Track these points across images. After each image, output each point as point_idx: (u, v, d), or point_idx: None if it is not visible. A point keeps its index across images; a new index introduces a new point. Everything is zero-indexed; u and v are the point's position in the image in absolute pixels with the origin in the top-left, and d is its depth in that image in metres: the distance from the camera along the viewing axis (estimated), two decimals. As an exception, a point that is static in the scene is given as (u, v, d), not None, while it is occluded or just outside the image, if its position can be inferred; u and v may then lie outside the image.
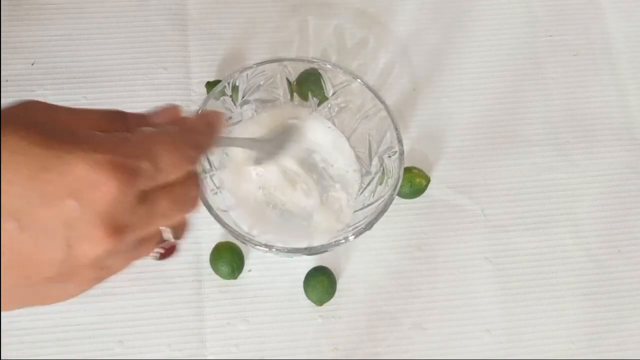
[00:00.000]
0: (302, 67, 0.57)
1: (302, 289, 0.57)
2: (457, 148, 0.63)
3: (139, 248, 0.34)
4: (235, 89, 0.55)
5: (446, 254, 0.60)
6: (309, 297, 0.57)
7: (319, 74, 0.57)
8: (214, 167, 0.54)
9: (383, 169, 0.55)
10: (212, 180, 0.53)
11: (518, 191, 0.62)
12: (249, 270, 0.58)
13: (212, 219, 0.49)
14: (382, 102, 0.54)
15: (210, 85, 0.61)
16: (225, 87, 0.54)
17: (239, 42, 0.65)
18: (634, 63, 0.68)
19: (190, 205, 0.35)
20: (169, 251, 0.37)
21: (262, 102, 0.58)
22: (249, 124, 0.57)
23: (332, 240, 0.51)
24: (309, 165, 0.56)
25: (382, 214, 0.51)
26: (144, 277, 0.56)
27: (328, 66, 0.56)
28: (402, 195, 0.60)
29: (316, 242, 0.52)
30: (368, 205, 0.54)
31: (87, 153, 0.30)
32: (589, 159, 0.64)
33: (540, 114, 0.65)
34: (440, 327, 0.57)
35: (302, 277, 0.57)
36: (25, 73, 0.62)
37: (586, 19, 0.69)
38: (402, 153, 0.53)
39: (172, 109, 0.37)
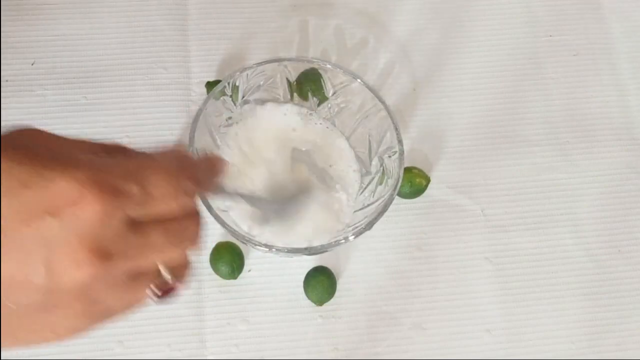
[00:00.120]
0: (302, 67, 0.57)
1: (302, 289, 0.57)
2: (457, 148, 0.63)
3: (133, 284, 0.31)
4: (235, 89, 0.55)
5: (446, 254, 0.60)
6: (309, 297, 0.57)
7: (319, 74, 0.57)
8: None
9: (383, 169, 0.55)
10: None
11: (518, 191, 0.62)
12: (249, 270, 0.58)
13: (212, 219, 0.49)
14: (382, 102, 0.54)
15: (210, 85, 0.61)
16: (225, 87, 0.54)
17: (239, 42, 0.65)
18: (634, 63, 0.68)
19: (189, 242, 0.33)
20: (167, 292, 0.33)
21: (262, 102, 0.58)
22: (249, 121, 0.57)
23: (332, 240, 0.51)
24: (310, 165, 0.56)
25: (382, 214, 0.51)
26: (144, 277, 0.56)
27: (328, 66, 0.56)
28: (402, 195, 0.60)
29: (316, 242, 0.52)
30: (368, 205, 0.54)
31: (68, 170, 0.28)
32: (589, 159, 0.64)
33: (540, 114, 0.65)
34: (440, 327, 0.57)
35: (302, 277, 0.57)
36: (25, 73, 0.62)
37: (586, 19, 0.69)
38: (402, 153, 0.53)
39: (178, 149, 0.35)
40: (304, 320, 0.57)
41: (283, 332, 0.56)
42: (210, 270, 0.57)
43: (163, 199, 0.31)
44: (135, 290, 0.32)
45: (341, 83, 0.56)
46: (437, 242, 0.60)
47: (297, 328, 0.57)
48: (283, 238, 0.52)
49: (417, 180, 0.59)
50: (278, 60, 0.56)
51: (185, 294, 0.56)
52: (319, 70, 0.57)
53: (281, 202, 0.50)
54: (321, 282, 0.56)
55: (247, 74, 0.55)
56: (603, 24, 0.69)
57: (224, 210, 0.52)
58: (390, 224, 0.59)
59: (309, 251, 0.51)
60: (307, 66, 0.57)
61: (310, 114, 0.58)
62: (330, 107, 0.58)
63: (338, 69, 0.56)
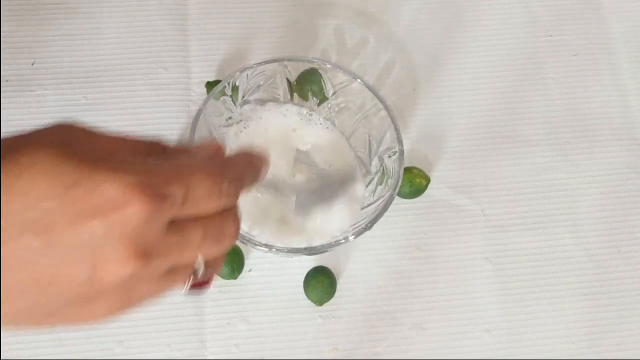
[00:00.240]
0: (302, 67, 0.57)
1: (302, 289, 0.57)
2: (457, 148, 0.63)
3: (170, 277, 0.33)
4: (235, 89, 0.55)
5: (446, 254, 0.60)
6: (309, 297, 0.57)
7: (319, 74, 0.57)
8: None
9: (383, 169, 0.55)
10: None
11: (518, 191, 0.62)
12: (249, 270, 0.58)
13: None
14: (382, 102, 0.54)
15: (210, 85, 0.61)
16: (225, 87, 0.54)
17: (239, 42, 0.65)
18: (634, 63, 0.68)
19: (227, 241, 0.34)
20: (200, 284, 0.35)
21: (262, 102, 0.58)
22: (249, 121, 0.57)
23: (332, 240, 0.51)
24: (311, 165, 0.56)
25: (382, 214, 0.51)
26: (144, 277, 0.56)
27: (328, 66, 0.56)
28: (402, 195, 0.60)
29: (316, 242, 0.52)
30: (368, 205, 0.54)
31: (117, 174, 0.29)
32: (589, 159, 0.64)
33: (540, 114, 0.65)
34: (440, 327, 0.57)
35: (302, 277, 0.57)
36: (25, 73, 0.62)
37: (586, 19, 0.69)
38: (402, 153, 0.53)
39: (215, 145, 0.36)
40: (304, 320, 0.57)
41: (283, 332, 0.56)
42: (210, 270, 0.57)
43: (203, 200, 0.32)
44: (170, 283, 0.33)
45: (341, 83, 0.56)
46: (437, 242, 0.60)
47: (297, 328, 0.57)
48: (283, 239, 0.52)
49: (417, 180, 0.59)
50: (278, 60, 0.56)
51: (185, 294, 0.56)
52: (319, 70, 0.57)
53: (319, 190, 0.51)
54: (321, 282, 0.56)
55: (247, 74, 0.55)
56: (603, 24, 0.69)
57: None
58: (390, 224, 0.59)
59: (309, 251, 0.51)
60: (307, 66, 0.57)
61: (310, 114, 0.58)
62: (330, 107, 0.58)
63: (338, 69, 0.56)
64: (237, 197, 0.34)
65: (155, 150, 0.34)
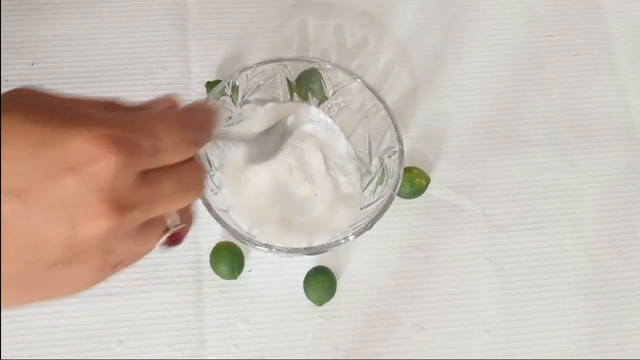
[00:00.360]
0: (302, 67, 0.57)
1: (302, 289, 0.57)
2: (457, 148, 0.63)
3: (145, 232, 0.33)
4: (235, 89, 0.55)
5: (446, 254, 0.60)
6: (309, 297, 0.57)
7: (319, 74, 0.57)
8: (214, 167, 0.54)
9: (383, 169, 0.55)
10: (212, 180, 0.53)
11: (518, 191, 0.62)
12: (249, 270, 0.58)
13: (212, 219, 0.49)
14: (382, 102, 0.54)
15: (210, 85, 0.61)
16: (225, 87, 0.54)
17: (239, 42, 0.65)
18: (634, 63, 0.68)
19: (196, 188, 0.35)
20: (175, 237, 0.36)
21: (262, 102, 0.58)
22: (247, 123, 0.57)
23: (332, 240, 0.51)
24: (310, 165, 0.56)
25: (382, 214, 0.51)
26: (144, 277, 0.56)
27: (328, 66, 0.56)
28: (402, 195, 0.60)
29: (316, 242, 0.52)
30: (368, 205, 0.54)
31: (86, 128, 0.29)
32: (589, 159, 0.64)
33: (540, 114, 0.65)
34: (440, 327, 0.57)
35: (302, 277, 0.57)
36: (25, 73, 0.62)
37: (586, 19, 0.69)
38: (402, 153, 0.53)
39: (170, 98, 0.37)
40: (304, 320, 0.57)
41: (283, 332, 0.56)
42: (210, 270, 0.57)
43: (172, 149, 0.32)
44: (147, 239, 0.33)
45: (341, 83, 0.56)
46: (437, 242, 0.60)
47: (297, 328, 0.57)
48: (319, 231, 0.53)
49: (417, 180, 0.59)
50: (278, 60, 0.56)
51: (185, 293, 0.57)
52: (319, 70, 0.57)
53: (263, 136, 0.53)
54: (321, 282, 0.56)
55: (247, 74, 0.55)
56: (603, 24, 0.69)
57: (224, 210, 0.52)
58: (390, 224, 0.59)
59: (309, 251, 0.51)
60: (307, 66, 0.57)
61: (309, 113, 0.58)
62: (330, 107, 0.58)
63: (338, 69, 0.56)
64: (199, 146, 0.35)
65: (115, 106, 0.34)
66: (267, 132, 0.54)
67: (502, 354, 0.57)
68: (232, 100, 0.56)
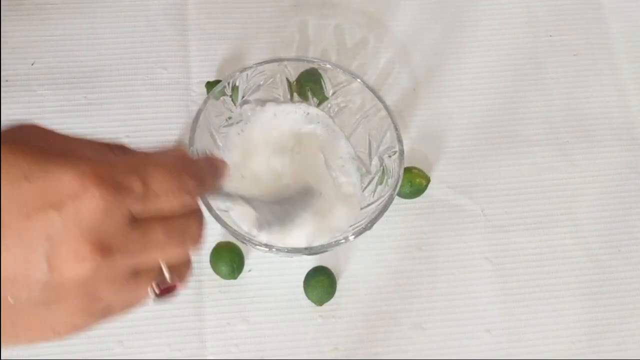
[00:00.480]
0: (302, 67, 0.57)
1: (302, 289, 0.57)
2: (457, 148, 0.63)
3: (133, 281, 0.31)
4: (235, 89, 0.55)
5: (446, 254, 0.60)
6: (309, 297, 0.57)
7: (319, 74, 0.57)
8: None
9: (383, 169, 0.55)
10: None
11: (518, 191, 0.62)
12: (249, 270, 0.58)
13: (212, 219, 0.49)
14: (382, 102, 0.54)
15: (210, 85, 0.61)
16: (225, 87, 0.54)
17: (239, 42, 0.65)
18: (634, 63, 0.68)
19: (191, 241, 0.33)
20: (167, 291, 0.33)
21: (262, 102, 0.58)
22: (249, 121, 0.57)
23: (332, 240, 0.51)
24: (310, 165, 0.56)
25: (382, 214, 0.51)
26: (144, 277, 0.56)
27: (328, 66, 0.56)
28: (402, 195, 0.60)
29: (316, 242, 0.52)
30: (368, 205, 0.54)
31: (72, 164, 0.28)
32: (589, 159, 0.64)
33: (540, 114, 0.65)
34: (440, 327, 0.57)
35: (302, 277, 0.57)
36: (25, 73, 0.62)
37: (586, 19, 0.69)
38: (402, 153, 0.53)
39: (178, 148, 0.34)
40: (304, 320, 0.57)
41: (283, 332, 0.56)
42: (210, 270, 0.57)
43: (165, 196, 0.31)
44: (135, 288, 0.32)
45: (341, 83, 0.56)
46: (437, 242, 0.60)
47: (297, 328, 0.57)
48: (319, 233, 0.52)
49: (417, 180, 0.59)
50: (278, 60, 0.56)
51: (185, 293, 0.56)
52: (319, 70, 0.57)
53: (281, 204, 0.49)
54: (321, 282, 0.56)
55: (247, 74, 0.55)
56: (603, 24, 0.69)
57: (224, 210, 0.52)
58: (390, 224, 0.59)
59: (309, 251, 0.51)
60: (307, 66, 0.57)
61: (308, 113, 0.58)
62: (330, 107, 0.58)
63: (338, 69, 0.56)
64: (198, 194, 0.33)
65: (114, 148, 0.33)
66: (284, 200, 0.50)
67: (502, 354, 0.57)
68: (232, 100, 0.56)
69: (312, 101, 0.58)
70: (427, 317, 0.58)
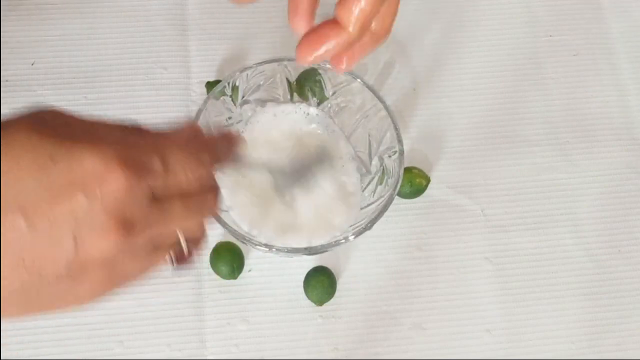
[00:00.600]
0: (302, 67, 0.57)
1: (302, 289, 0.57)
2: (457, 148, 0.63)
3: (153, 253, 0.33)
4: (235, 89, 0.55)
5: (446, 254, 0.60)
6: (309, 297, 0.57)
7: (319, 74, 0.57)
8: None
9: (383, 169, 0.55)
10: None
11: (518, 191, 0.62)
12: (249, 270, 0.58)
13: (212, 219, 0.49)
14: (382, 102, 0.54)
15: (210, 85, 0.61)
16: (225, 87, 0.54)
17: (239, 42, 0.65)
18: (634, 63, 0.68)
19: (207, 212, 0.35)
20: (183, 258, 0.36)
21: (262, 102, 0.58)
22: (249, 121, 0.57)
23: (332, 240, 0.51)
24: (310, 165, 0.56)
25: (382, 214, 0.51)
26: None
27: (328, 66, 0.56)
28: (402, 195, 0.60)
29: (316, 242, 0.52)
30: (368, 205, 0.54)
31: (96, 147, 0.30)
32: (589, 159, 0.64)
33: (540, 114, 0.65)
34: (440, 327, 0.57)
35: (302, 277, 0.57)
36: (25, 73, 0.62)
37: (586, 19, 0.69)
38: (402, 153, 0.53)
39: (193, 126, 0.37)
40: (304, 320, 0.57)
41: (283, 332, 0.56)
42: (210, 270, 0.57)
43: (183, 171, 0.33)
44: (154, 258, 0.34)
45: (341, 83, 0.56)
46: (437, 242, 0.60)
47: (297, 328, 0.57)
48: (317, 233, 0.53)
49: (417, 180, 0.59)
50: (278, 60, 0.56)
51: (185, 293, 0.56)
52: (319, 70, 0.57)
53: (297, 170, 0.51)
54: (321, 282, 0.56)
55: (247, 74, 0.55)
56: (603, 24, 0.69)
57: (224, 210, 0.52)
58: (390, 224, 0.59)
59: (309, 251, 0.51)
60: (307, 66, 0.57)
61: (308, 114, 0.58)
62: (330, 107, 0.58)
63: (338, 69, 0.56)
64: (214, 168, 0.35)
65: (136, 129, 0.34)
66: (298, 161, 0.52)
67: (502, 354, 0.57)
68: (232, 100, 0.56)
69: (312, 101, 0.58)
70: (427, 317, 0.58)
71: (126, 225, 0.30)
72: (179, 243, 0.35)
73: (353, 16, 0.37)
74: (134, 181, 0.30)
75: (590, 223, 0.62)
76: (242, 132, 0.56)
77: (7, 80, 0.62)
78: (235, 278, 0.56)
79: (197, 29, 0.65)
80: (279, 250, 0.50)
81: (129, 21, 0.65)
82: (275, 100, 0.58)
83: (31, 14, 0.64)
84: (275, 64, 0.56)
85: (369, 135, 0.57)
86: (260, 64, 0.55)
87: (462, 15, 0.69)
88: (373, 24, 0.39)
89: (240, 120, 0.57)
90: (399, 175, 0.52)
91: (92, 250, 0.30)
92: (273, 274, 0.58)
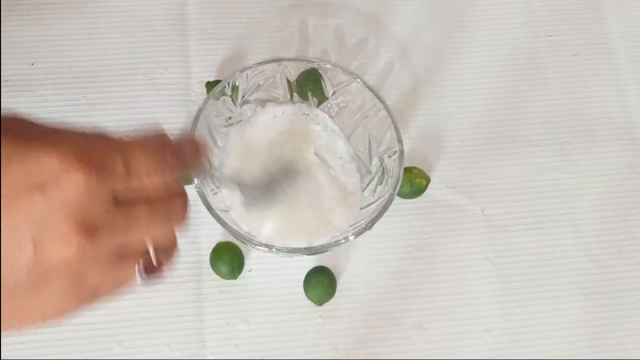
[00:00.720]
0: (302, 67, 0.57)
1: (302, 289, 0.57)
2: (457, 148, 0.63)
3: (120, 262, 0.31)
4: (235, 89, 0.55)
5: (446, 254, 0.60)
6: (309, 297, 0.57)
7: (319, 74, 0.57)
8: (214, 167, 0.54)
9: (383, 169, 0.55)
10: (212, 180, 0.53)
11: (518, 191, 0.62)
12: (249, 270, 0.58)
13: (212, 219, 0.49)
14: (382, 102, 0.54)
15: (210, 85, 0.61)
16: (225, 87, 0.54)
17: (239, 42, 0.65)
18: (634, 63, 0.68)
19: (175, 220, 0.33)
20: (152, 268, 0.33)
21: (262, 102, 0.58)
22: (249, 121, 0.57)
23: (332, 240, 0.51)
24: (310, 165, 0.56)
25: (382, 214, 0.51)
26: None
27: (328, 66, 0.56)
28: (402, 195, 0.60)
29: (316, 242, 0.52)
30: (368, 205, 0.54)
31: (53, 147, 0.28)
32: (589, 159, 0.64)
33: (540, 114, 0.65)
34: (440, 327, 0.57)
35: (302, 277, 0.57)
36: (25, 73, 0.62)
37: (586, 19, 0.69)
38: (402, 153, 0.53)
39: (159, 132, 0.34)
40: (304, 320, 0.57)
41: (283, 332, 0.56)
42: (210, 270, 0.57)
43: (147, 175, 0.31)
44: (122, 269, 0.32)
45: (341, 83, 0.56)
46: (437, 242, 0.60)
47: (297, 328, 0.57)
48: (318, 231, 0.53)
49: (417, 180, 0.59)
50: (278, 60, 0.56)
51: (185, 293, 0.56)
52: (319, 70, 0.57)
53: (266, 184, 0.50)
54: (321, 282, 0.56)
55: (247, 74, 0.55)
56: (603, 24, 0.69)
57: (224, 210, 0.52)
58: (390, 224, 0.59)
59: (309, 251, 0.51)
60: (307, 66, 0.57)
61: (308, 114, 0.58)
62: (330, 107, 0.58)
63: (338, 69, 0.56)
64: (180, 173, 0.33)
65: (95, 134, 0.33)
66: (268, 178, 0.50)
67: (502, 354, 0.57)
68: (232, 100, 0.56)
69: (312, 101, 0.58)
70: (427, 317, 0.58)
71: (87, 229, 0.29)
72: (147, 252, 0.33)
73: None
74: (94, 181, 0.28)
75: (590, 223, 0.62)
76: (242, 131, 0.56)
77: (7, 80, 0.62)
78: (235, 278, 0.56)
79: (197, 29, 0.65)
80: (279, 250, 0.50)
81: (129, 21, 0.65)
82: (275, 100, 0.58)
83: (31, 14, 0.64)
84: (275, 64, 0.56)
85: (369, 135, 0.57)
86: (260, 64, 0.55)
87: (462, 15, 0.69)
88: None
89: (241, 120, 0.57)
90: (399, 175, 0.52)
91: (51, 255, 0.28)
92: (273, 274, 0.58)
